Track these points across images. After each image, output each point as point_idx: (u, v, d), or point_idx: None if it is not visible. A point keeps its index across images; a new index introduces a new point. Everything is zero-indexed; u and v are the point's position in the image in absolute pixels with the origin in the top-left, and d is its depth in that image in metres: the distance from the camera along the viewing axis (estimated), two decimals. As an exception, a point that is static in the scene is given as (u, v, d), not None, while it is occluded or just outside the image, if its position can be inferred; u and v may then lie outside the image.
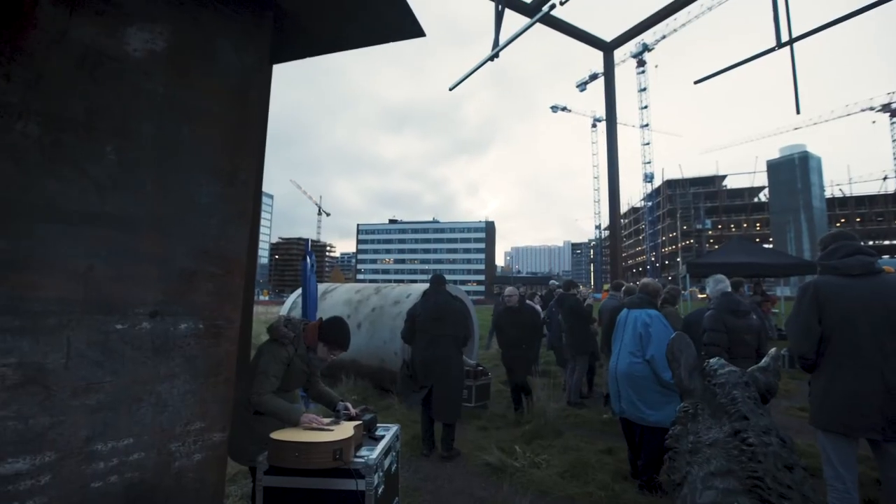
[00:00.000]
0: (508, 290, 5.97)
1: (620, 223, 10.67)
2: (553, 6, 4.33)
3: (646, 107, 78.28)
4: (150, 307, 2.01)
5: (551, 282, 10.72)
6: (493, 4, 5.06)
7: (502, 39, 4.68)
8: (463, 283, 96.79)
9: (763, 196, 71.32)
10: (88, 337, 1.86)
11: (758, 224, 71.32)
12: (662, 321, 3.43)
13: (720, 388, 1.27)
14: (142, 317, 1.99)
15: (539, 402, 5.14)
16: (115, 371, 1.92)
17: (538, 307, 8.33)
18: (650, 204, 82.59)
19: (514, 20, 7.17)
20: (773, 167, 61.48)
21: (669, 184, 78.93)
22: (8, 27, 1.66)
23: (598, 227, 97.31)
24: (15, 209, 1.70)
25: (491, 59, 4.88)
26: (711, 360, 1.47)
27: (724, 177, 77.48)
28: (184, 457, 2.13)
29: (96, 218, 1.86)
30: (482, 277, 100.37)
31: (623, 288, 5.81)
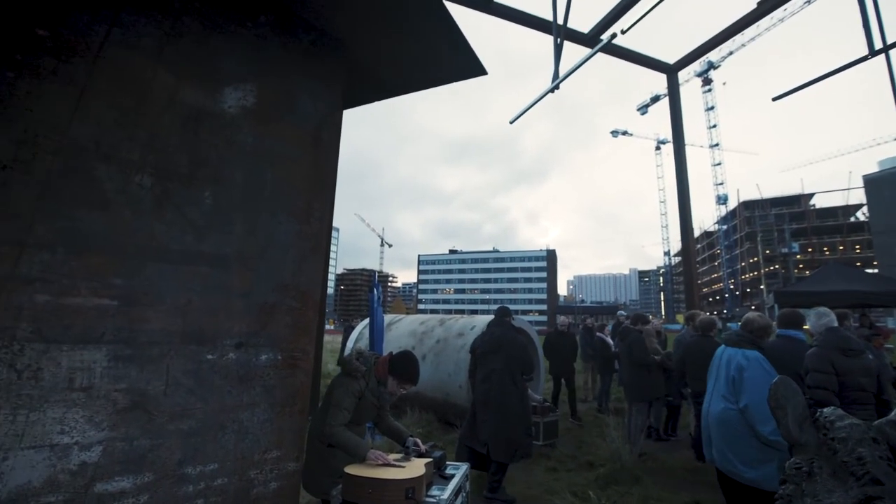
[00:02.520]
0: (561, 318, 8.54)
1: (695, 249, 10.00)
2: (614, 35, 4.30)
3: (714, 126, 74.22)
4: (237, 339, 2.17)
5: (619, 313, 10.17)
6: (551, 38, 5.14)
7: (562, 71, 4.71)
8: (525, 312, 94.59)
9: (862, 215, 63.74)
10: (184, 366, 2.02)
11: (857, 246, 63.50)
12: (763, 366, 2.95)
13: (841, 443, 1.09)
14: (229, 348, 2.14)
15: (614, 443, 4.80)
16: (205, 398, 2.07)
17: (609, 339, 7.88)
18: (725, 227, 76.82)
19: (573, 50, 7.21)
20: (873, 182, 55.04)
21: (746, 205, 73.01)
22: (133, 96, 1.94)
23: (666, 253, 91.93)
24: (130, 251, 1.93)
25: (551, 90, 4.92)
26: (825, 410, 1.27)
27: (811, 195, 70.51)
28: (261, 484, 2.22)
29: (194, 257, 2.06)
30: (544, 307, 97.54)
31: (696, 321, 5.28)
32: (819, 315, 3.17)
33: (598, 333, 8.19)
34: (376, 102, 3.34)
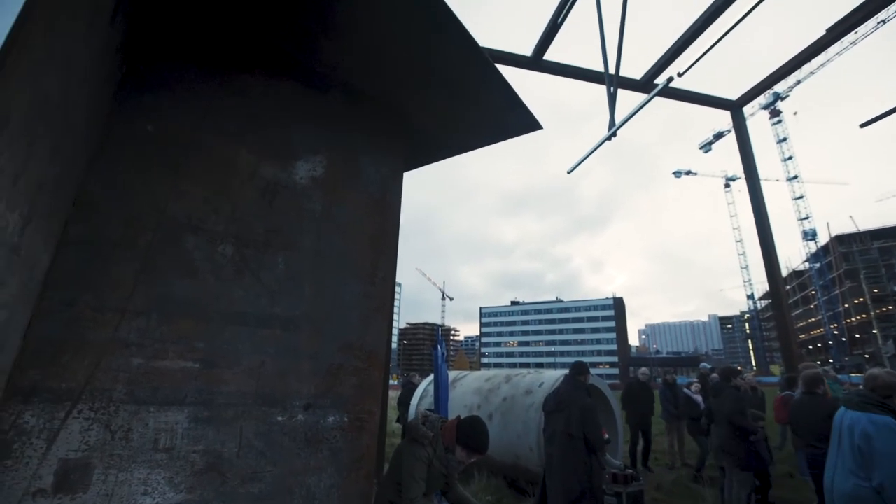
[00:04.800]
0: (642, 369, 8.69)
1: (785, 291, 9.02)
2: (671, 79, 4.25)
3: (790, 158, 69.47)
4: (305, 400, 2.19)
5: (702, 365, 9.22)
6: (604, 87, 5.18)
7: (618, 118, 4.69)
8: (594, 365, 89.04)
9: None
10: (256, 427, 2.07)
11: None
12: None
13: None
14: (298, 409, 2.17)
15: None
16: (275, 461, 2.08)
17: (697, 397, 7.09)
18: (818, 265, 69.11)
19: (627, 94, 7.20)
20: None
21: (841, 240, 65.45)
22: (220, 175, 2.16)
23: (750, 296, 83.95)
24: (212, 315, 2.06)
25: (608, 138, 4.89)
26: None
27: (921, 224, 62.03)
28: (327, 555, 2.13)
29: (268, 320, 2.16)
30: (615, 359, 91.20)
31: (804, 377, 4.56)
32: None
33: (684, 390, 7.45)
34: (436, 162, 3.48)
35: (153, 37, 2.16)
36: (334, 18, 2.23)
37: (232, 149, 2.24)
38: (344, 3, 2.14)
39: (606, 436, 4.18)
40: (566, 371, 4.47)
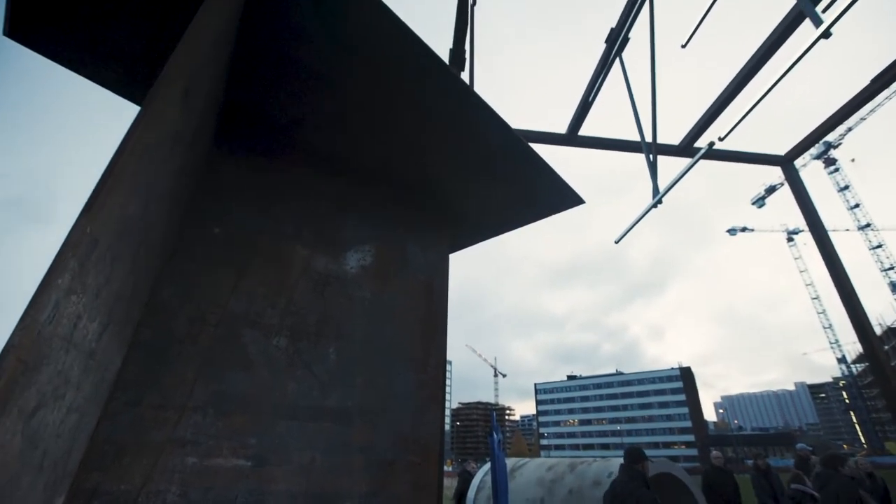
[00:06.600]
0: (714, 452, 7.44)
1: (885, 353, 7.92)
2: (712, 144, 4.21)
3: (857, 206, 64.98)
4: (356, 501, 2.06)
5: (800, 446, 7.98)
6: (643, 156, 5.21)
7: (662, 185, 4.64)
8: (666, 445, 79.79)
9: None
10: (306, 534, 1.94)
11: None
12: None
13: None
14: (349, 512, 2.04)
15: None
16: (325, 576, 1.92)
17: (810, 490, 5.99)
18: (918, 321, 61.01)
19: (668, 159, 7.16)
20: None
21: (940, 291, 58.19)
22: (276, 271, 2.28)
23: (841, 360, 74.55)
24: (265, 409, 2.05)
25: (654, 206, 4.81)
26: None
27: None
28: None
29: (320, 413, 2.13)
30: (690, 437, 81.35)
31: None
32: None
33: (792, 485, 6.36)
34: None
35: (224, 149, 2.43)
36: (377, 120, 2.42)
37: (288, 245, 2.38)
38: (385, 106, 2.34)
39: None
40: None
